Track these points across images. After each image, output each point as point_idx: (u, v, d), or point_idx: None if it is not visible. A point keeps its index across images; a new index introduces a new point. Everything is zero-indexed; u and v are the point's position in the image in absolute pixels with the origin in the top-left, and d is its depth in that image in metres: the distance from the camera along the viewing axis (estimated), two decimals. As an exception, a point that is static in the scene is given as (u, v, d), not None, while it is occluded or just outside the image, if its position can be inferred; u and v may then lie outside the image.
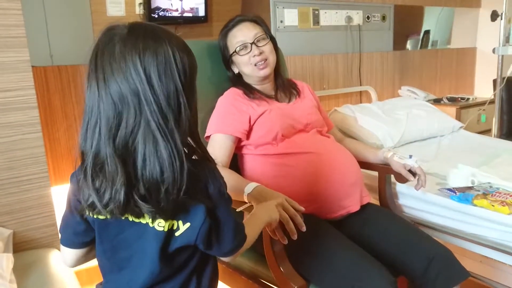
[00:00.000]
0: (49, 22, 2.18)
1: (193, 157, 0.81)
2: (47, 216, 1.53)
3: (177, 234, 0.78)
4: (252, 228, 0.94)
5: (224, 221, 0.82)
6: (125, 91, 0.70)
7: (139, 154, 0.72)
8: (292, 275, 1.18)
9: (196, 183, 0.77)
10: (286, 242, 1.11)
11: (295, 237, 1.09)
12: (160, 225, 0.77)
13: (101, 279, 0.96)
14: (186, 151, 0.76)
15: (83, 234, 0.86)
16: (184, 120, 0.74)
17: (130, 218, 0.79)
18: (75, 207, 0.81)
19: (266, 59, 1.45)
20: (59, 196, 1.79)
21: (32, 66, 1.46)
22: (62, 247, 0.90)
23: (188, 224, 0.78)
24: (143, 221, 0.78)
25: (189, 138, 0.78)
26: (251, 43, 1.44)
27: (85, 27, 2.41)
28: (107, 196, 0.72)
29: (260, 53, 1.44)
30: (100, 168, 0.73)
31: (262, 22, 1.51)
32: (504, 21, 2.46)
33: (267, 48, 1.47)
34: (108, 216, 0.76)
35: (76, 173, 0.79)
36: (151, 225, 0.78)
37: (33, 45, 1.55)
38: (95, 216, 0.79)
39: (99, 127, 0.72)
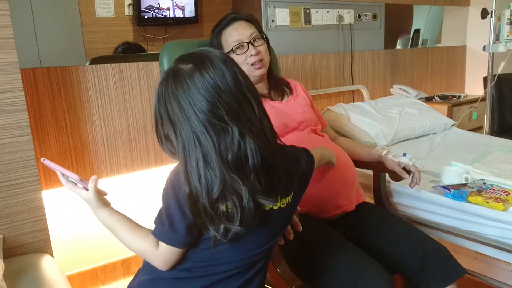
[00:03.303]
0: (37, 23, 2.15)
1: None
2: (38, 220, 1.50)
3: (290, 203, 0.91)
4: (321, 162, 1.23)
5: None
6: (212, 102, 0.77)
7: (249, 156, 0.78)
8: (288, 276, 1.18)
9: (292, 160, 0.91)
10: (282, 242, 1.10)
11: (291, 237, 1.08)
12: (283, 202, 0.89)
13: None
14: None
15: (195, 233, 0.84)
16: (263, 109, 0.84)
17: None
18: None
19: (262, 59, 1.45)
20: (50, 200, 1.77)
21: (21, 68, 1.43)
22: (169, 249, 0.85)
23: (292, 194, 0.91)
24: (266, 208, 0.85)
25: None
26: (248, 43, 1.43)
27: (74, 28, 2.39)
28: (238, 218, 0.78)
29: (257, 53, 1.43)
30: (219, 197, 0.77)
31: (256, 22, 1.50)
32: (494, 18, 2.47)
33: (263, 48, 1.46)
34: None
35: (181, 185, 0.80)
36: (275, 207, 0.86)
37: (21, 46, 1.52)
38: None
39: (203, 159, 0.77)
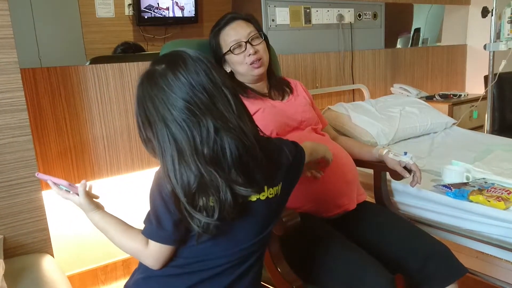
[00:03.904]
0: (37, 23, 2.15)
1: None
2: (38, 220, 1.50)
3: (279, 194, 0.92)
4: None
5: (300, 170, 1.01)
6: (185, 99, 0.79)
7: (227, 149, 0.79)
8: (289, 275, 1.17)
9: (277, 152, 0.92)
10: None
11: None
12: (271, 192, 0.89)
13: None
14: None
15: (182, 229, 0.85)
16: (241, 103, 0.85)
17: None
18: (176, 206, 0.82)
19: (260, 58, 1.44)
20: (50, 200, 1.76)
21: (21, 68, 1.43)
22: (159, 247, 0.87)
23: (280, 184, 0.92)
24: (252, 199, 0.86)
25: None
26: (246, 42, 1.43)
27: (74, 28, 2.39)
28: (217, 211, 0.80)
29: (255, 52, 1.43)
30: (197, 192, 0.79)
31: (254, 21, 1.49)
32: (495, 17, 2.47)
33: (261, 47, 1.45)
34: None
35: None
36: (262, 198, 0.87)
37: (22, 46, 1.52)
38: None
39: (178, 156, 0.78)
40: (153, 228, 0.86)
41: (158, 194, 0.83)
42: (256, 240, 0.92)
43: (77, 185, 0.95)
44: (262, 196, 0.88)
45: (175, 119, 0.79)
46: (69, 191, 0.96)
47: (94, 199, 0.97)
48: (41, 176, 0.98)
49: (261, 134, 0.90)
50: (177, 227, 0.84)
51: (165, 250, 0.87)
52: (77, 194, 0.94)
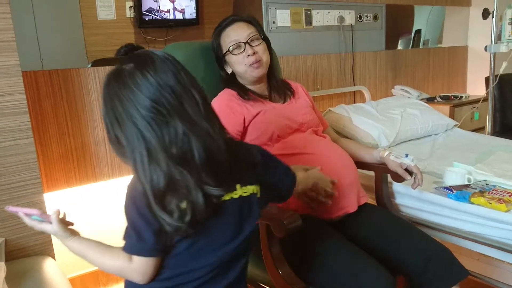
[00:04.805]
0: (39, 26, 2.15)
1: None
2: (39, 223, 1.50)
3: (258, 195, 0.92)
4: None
5: (277, 168, 1.01)
6: (153, 99, 0.78)
7: (195, 150, 0.78)
8: (290, 278, 1.17)
9: (244, 152, 0.91)
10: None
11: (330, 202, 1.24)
12: (245, 191, 0.89)
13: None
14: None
15: (164, 238, 0.83)
16: (208, 104, 0.85)
17: None
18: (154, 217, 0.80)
19: (260, 60, 1.44)
20: (52, 202, 1.77)
21: (22, 71, 1.43)
22: (143, 260, 0.84)
23: (258, 186, 0.92)
24: (225, 198, 0.86)
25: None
26: (245, 43, 1.43)
27: (75, 31, 2.39)
28: (189, 213, 0.78)
29: (254, 53, 1.43)
30: (168, 192, 0.78)
31: (256, 22, 1.50)
32: (496, 18, 2.47)
33: (261, 48, 1.46)
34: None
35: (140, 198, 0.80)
36: (235, 196, 0.87)
37: (23, 49, 1.52)
38: None
39: (148, 154, 0.78)
40: (133, 242, 0.83)
41: (133, 206, 0.81)
42: (236, 243, 0.89)
43: (49, 213, 0.91)
44: (235, 195, 0.87)
45: (143, 118, 0.78)
46: (43, 221, 0.92)
47: (69, 226, 0.93)
48: (12, 209, 0.93)
49: (228, 136, 0.89)
50: (158, 236, 0.81)
51: (150, 262, 0.84)
52: (50, 223, 0.91)
